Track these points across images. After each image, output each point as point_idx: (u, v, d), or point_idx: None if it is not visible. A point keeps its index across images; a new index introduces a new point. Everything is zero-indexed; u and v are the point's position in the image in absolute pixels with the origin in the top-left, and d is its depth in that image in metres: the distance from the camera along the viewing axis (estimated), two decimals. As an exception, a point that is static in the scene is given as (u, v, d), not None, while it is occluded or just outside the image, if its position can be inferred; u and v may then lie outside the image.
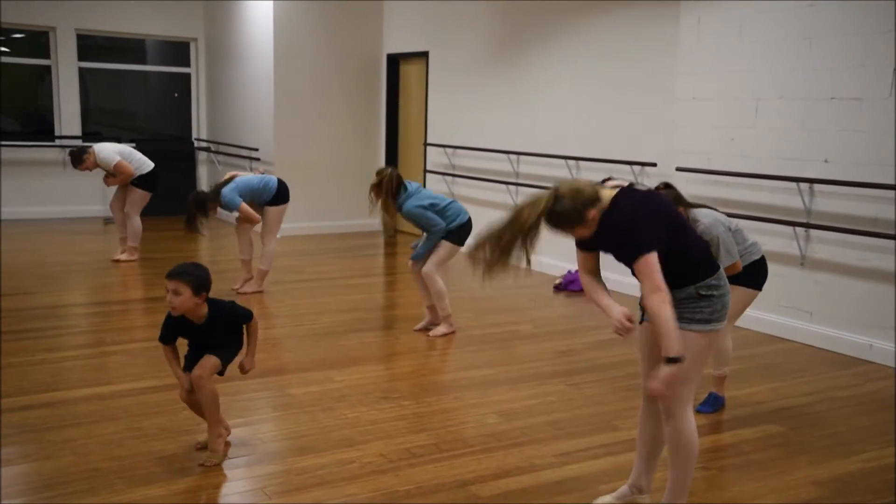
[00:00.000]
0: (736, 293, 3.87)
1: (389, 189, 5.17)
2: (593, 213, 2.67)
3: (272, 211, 6.40)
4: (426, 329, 5.47)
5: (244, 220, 6.29)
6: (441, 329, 5.40)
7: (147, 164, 7.61)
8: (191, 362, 3.39)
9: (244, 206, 6.14)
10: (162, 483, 3.15)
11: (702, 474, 3.38)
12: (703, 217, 3.81)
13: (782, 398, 4.35)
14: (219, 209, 6.21)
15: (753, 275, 4.00)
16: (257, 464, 3.37)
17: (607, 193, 2.71)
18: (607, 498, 3.09)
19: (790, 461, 3.55)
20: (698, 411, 4.07)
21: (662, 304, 2.57)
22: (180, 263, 3.32)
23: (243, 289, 6.37)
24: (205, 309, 3.30)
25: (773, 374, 4.80)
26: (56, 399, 4.02)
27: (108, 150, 7.44)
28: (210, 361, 3.33)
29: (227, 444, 3.49)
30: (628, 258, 2.67)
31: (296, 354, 4.94)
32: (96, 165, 7.45)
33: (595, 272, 2.89)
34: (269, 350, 5.01)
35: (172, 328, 3.36)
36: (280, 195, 6.40)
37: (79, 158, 7.41)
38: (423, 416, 3.96)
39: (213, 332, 3.35)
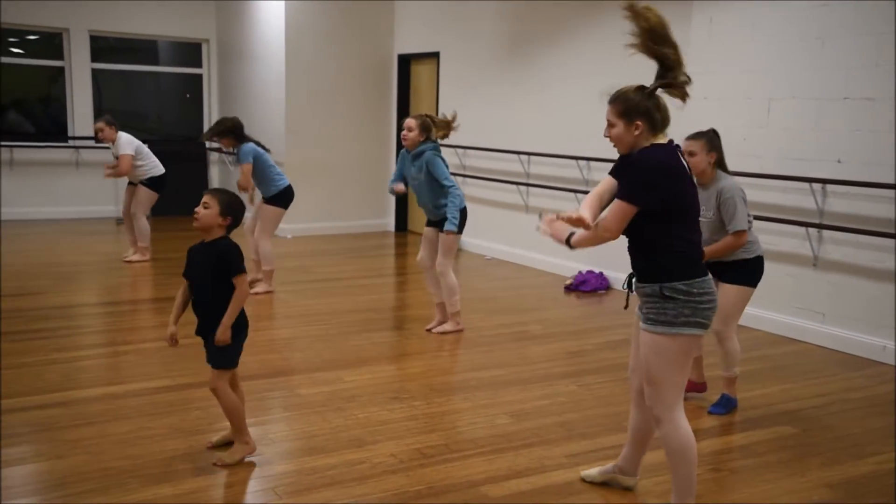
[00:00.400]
0: (732, 291, 3.92)
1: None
2: (639, 125, 2.74)
3: (270, 210, 6.44)
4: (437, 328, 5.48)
5: (241, 187, 6.28)
6: (447, 326, 5.39)
7: (159, 168, 7.68)
8: (200, 319, 3.33)
9: (248, 167, 6.23)
10: (174, 482, 3.17)
11: (713, 476, 3.36)
12: (728, 178, 3.90)
13: (794, 400, 4.33)
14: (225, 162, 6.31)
15: (752, 272, 4.00)
16: (268, 464, 3.38)
17: (660, 138, 2.77)
18: (593, 471, 3.25)
19: (802, 463, 3.53)
20: (710, 413, 4.05)
21: (599, 239, 2.73)
22: (225, 189, 3.42)
23: (255, 289, 6.38)
24: (218, 234, 3.31)
25: (785, 375, 4.77)
26: (69, 398, 4.05)
27: (128, 141, 7.52)
28: (212, 373, 3.31)
29: (248, 450, 3.45)
30: (617, 192, 2.77)
31: (306, 354, 4.95)
32: (110, 141, 7.54)
33: (602, 201, 2.88)
34: (279, 350, 5.03)
35: (188, 255, 3.37)
36: (284, 197, 6.42)
37: (108, 123, 7.49)
38: (434, 417, 3.97)
39: (213, 260, 3.25)
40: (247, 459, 3.40)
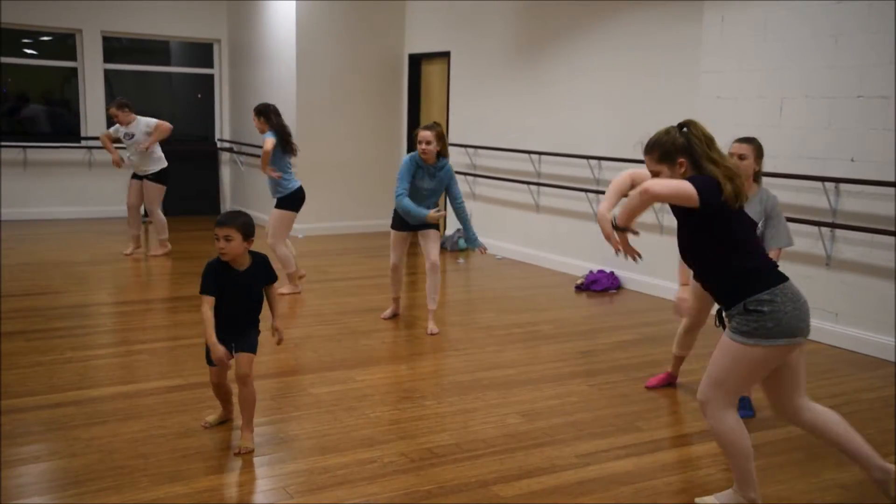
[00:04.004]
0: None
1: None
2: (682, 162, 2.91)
3: (279, 214, 6.37)
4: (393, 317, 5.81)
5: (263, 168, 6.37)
6: (433, 327, 5.51)
7: (164, 160, 7.80)
8: (229, 328, 3.44)
9: (271, 140, 6.18)
10: (186, 480, 3.18)
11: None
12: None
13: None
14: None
15: None
16: (280, 463, 3.40)
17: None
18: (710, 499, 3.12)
19: (816, 464, 3.52)
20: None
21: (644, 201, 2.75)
22: (227, 212, 3.48)
23: (281, 290, 6.35)
24: (248, 257, 3.45)
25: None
26: (83, 397, 4.08)
27: (147, 120, 7.73)
28: (248, 357, 3.47)
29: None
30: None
31: (318, 354, 4.96)
32: (126, 124, 7.64)
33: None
34: (291, 349, 5.04)
35: (215, 275, 3.41)
36: (293, 200, 6.34)
37: (119, 106, 7.64)
38: (445, 416, 3.97)
39: (254, 283, 3.46)
40: (259, 458, 3.42)
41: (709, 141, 2.80)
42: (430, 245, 5.45)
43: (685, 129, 2.82)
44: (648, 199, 2.72)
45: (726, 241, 2.79)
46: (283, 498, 3.09)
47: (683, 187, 2.69)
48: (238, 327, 3.49)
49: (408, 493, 3.13)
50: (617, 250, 2.91)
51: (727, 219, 2.77)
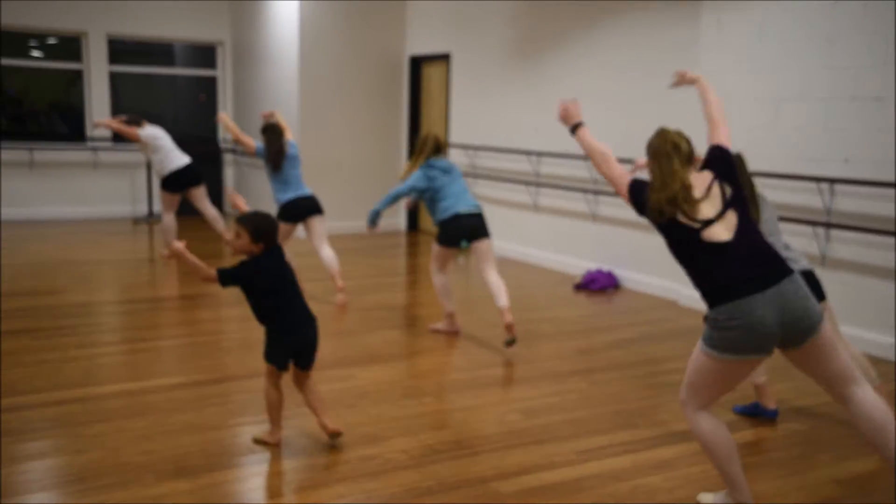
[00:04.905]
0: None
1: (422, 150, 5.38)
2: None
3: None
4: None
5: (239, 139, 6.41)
6: (439, 325, 5.50)
7: (167, 167, 7.68)
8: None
9: (253, 145, 6.22)
10: (189, 477, 3.23)
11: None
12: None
13: (803, 397, 4.35)
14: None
15: None
16: (281, 459, 3.44)
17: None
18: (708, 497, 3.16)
19: (811, 459, 3.56)
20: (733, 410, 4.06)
21: (600, 160, 3.17)
22: (251, 211, 3.48)
23: None
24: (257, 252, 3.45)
25: (793, 372, 4.72)
26: (88, 394, 4.13)
27: (148, 131, 7.68)
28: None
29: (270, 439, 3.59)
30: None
31: (319, 352, 4.97)
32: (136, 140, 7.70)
33: None
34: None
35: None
36: (283, 212, 6.26)
37: (127, 123, 7.65)
38: (445, 414, 4.02)
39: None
40: (260, 454, 3.47)
41: (656, 152, 2.89)
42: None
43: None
44: (592, 159, 3.16)
45: (678, 256, 2.87)
46: (284, 494, 3.14)
47: (618, 173, 3.01)
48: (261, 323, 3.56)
49: (408, 490, 3.17)
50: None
51: (669, 233, 2.84)
